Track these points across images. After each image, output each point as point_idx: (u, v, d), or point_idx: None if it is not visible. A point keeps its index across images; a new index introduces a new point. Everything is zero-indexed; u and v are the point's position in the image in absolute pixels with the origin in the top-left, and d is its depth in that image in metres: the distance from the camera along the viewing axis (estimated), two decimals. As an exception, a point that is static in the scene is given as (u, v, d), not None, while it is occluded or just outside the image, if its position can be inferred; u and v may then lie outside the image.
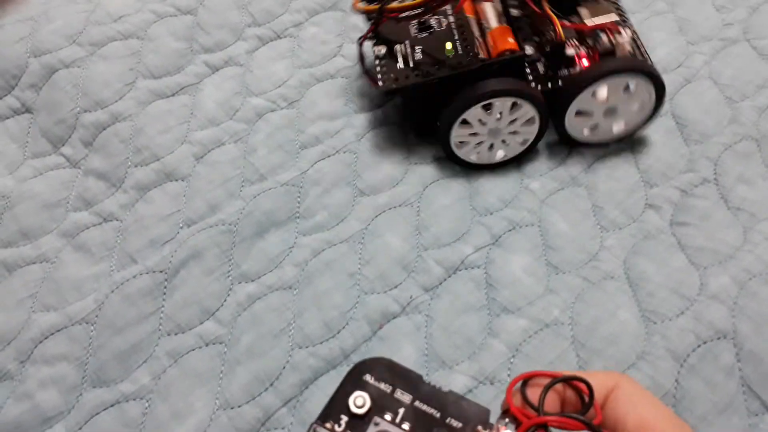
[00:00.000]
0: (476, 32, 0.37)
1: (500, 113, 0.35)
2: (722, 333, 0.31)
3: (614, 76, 0.34)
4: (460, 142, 0.37)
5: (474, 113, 0.35)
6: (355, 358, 0.32)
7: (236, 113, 0.41)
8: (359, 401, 0.21)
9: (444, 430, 0.21)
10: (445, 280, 0.34)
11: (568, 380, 0.22)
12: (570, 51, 0.36)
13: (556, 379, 0.22)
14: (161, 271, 0.35)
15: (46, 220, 0.37)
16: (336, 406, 0.21)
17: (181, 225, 0.36)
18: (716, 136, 0.39)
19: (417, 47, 0.37)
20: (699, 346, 0.31)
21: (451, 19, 0.38)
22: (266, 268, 0.35)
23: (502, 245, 0.35)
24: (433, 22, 0.38)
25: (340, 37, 0.45)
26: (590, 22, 0.37)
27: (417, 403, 0.22)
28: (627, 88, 0.35)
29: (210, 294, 0.34)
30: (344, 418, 0.21)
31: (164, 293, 0.34)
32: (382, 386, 0.22)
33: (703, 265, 0.34)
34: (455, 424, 0.21)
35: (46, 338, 0.33)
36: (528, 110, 0.35)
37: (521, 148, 0.38)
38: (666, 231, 0.35)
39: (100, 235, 0.36)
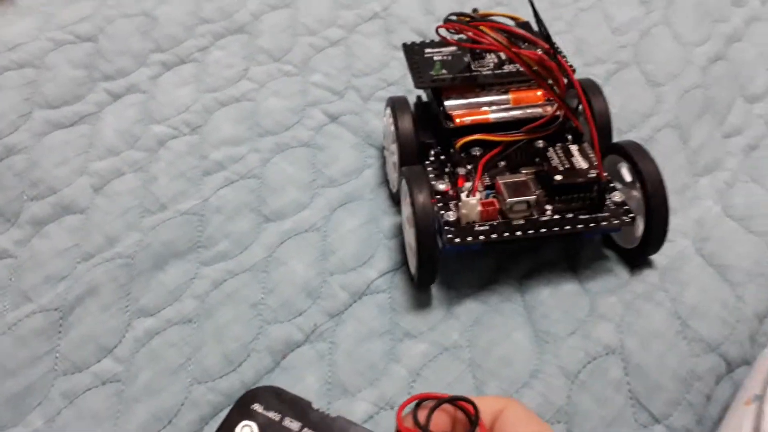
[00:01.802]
0: None
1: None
2: (610, 349, 0.32)
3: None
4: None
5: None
6: (256, 390, 0.31)
7: (137, 141, 0.40)
8: (246, 431, 0.22)
9: None
10: (350, 305, 0.34)
11: (454, 401, 0.23)
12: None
13: (441, 400, 0.23)
14: (56, 309, 0.34)
15: (-65, 260, 0.36)
16: None
17: (78, 260, 0.35)
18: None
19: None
20: (589, 362, 0.32)
21: None
22: (165, 302, 0.34)
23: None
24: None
25: (245, 60, 0.45)
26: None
27: (306, 431, 0.22)
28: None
29: (107, 330, 0.33)
30: None
31: (59, 332, 0.33)
32: (271, 414, 0.23)
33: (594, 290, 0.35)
34: None
35: (-69, 386, 0.32)
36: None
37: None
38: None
39: (-8, 273, 0.35)
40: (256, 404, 0.23)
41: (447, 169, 0.35)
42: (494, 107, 0.36)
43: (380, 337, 0.33)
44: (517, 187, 0.33)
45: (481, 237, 0.32)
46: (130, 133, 0.40)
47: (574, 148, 0.35)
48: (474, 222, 0.33)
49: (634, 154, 0.33)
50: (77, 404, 0.31)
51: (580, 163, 0.34)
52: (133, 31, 0.45)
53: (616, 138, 0.38)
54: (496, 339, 0.33)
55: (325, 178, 0.40)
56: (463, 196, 0.33)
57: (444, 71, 0.37)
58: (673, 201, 0.38)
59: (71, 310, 0.34)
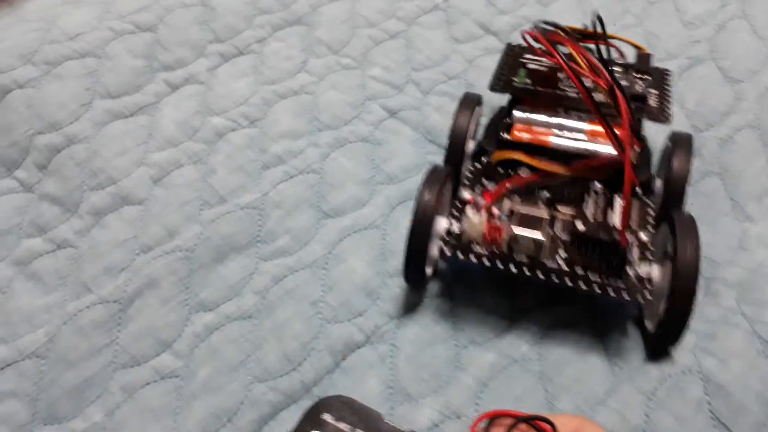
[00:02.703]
0: None
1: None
2: (687, 367, 0.30)
3: None
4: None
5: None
6: (317, 392, 0.31)
7: (196, 133, 0.39)
8: None
9: None
10: (411, 308, 0.33)
11: (531, 420, 0.22)
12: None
13: (519, 419, 0.22)
14: (116, 301, 0.33)
15: (-3, 248, 0.36)
16: None
17: (137, 251, 0.35)
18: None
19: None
20: (665, 380, 0.30)
21: None
22: (225, 297, 0.34)
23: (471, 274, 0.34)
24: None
25: (304, 52, 0.44)
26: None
27: None
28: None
29: (166, 324, 0.33)
30: None
31: (119, 324, 0.33)
32: (342, 426, 0.22)
33: None
34: None
35: (-6, 374, 0.32)
36: None
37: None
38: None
39: (53, 263, 0.35)
40: (326, 414, 0.22)
41: (484, 181, 0.33)
42: (564, 132, 0.33)
43: (444, 342, 0.32)
44: (531, 221, 0.30)
45: (474, 260, 0.30)
46: (188, 124, 0.40)
47: (618, 203, 0.31)
48: (475, 242, 0.31)
49: (678, 228, 0.29)
50: (136, 399, 0.31)
51: (615, 219, 0.30)
52: (191, 21, 0.44)
53: (691, 130, 0.36)
54: (567, 355, 0.31)
55: (384, 174, 0.39)
56: (469, 211, 0.31)
57: (528, 81, 0.35)
58: (753, 208, 0.37)
59: (131, 303, 0.33)
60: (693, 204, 0.36)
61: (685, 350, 0.31)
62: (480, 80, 0.44)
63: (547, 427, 0.22)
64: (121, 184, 0.37)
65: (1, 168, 0.39)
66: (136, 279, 0.34)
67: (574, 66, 0.29)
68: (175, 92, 0.41)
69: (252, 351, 0.32)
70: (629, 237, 0.30)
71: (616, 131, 0.28)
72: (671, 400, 0.29)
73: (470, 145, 0.36)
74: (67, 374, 0.31)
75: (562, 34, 0.31)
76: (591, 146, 0.33)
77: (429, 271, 0.32)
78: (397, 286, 0.34)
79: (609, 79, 0.28)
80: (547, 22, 0.31)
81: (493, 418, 0.22)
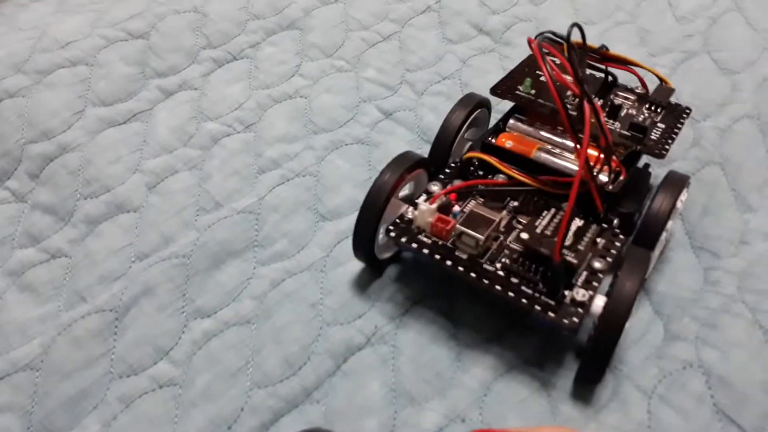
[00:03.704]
0: None
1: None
2: (687, 363, 0.30)
3: None
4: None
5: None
6: (318, 396, 0.30)
7: (191, 139, 0.39)
8: None
9: None
10: (410, 308, 0.33)
11: None
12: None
13: None
14: (111, 310, 0.33)
15: (-10, 259, 0.35)
16: None
17: (132, 259, 0.35)
18: (678, 161, 0.38)
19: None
20: (665, 377, 0.29)
21: None
22: (223, 303, 0.33)
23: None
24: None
25: (297, 56, 0.43)
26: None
27: None
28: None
29: (163, 332, 0.32)
30: None
31: (115, 333, 0.32)
32: None
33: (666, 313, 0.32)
34: None
35: (-13, 387, 0.31)
36: None
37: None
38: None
39: (47, 273, 0.34)
40: None
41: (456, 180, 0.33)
42: (551, 148, 0.33)
43: (446, 343, 0.31)
44: (478, 221, 0.30)
45: (414, 245, 0.30)
46: (183, 130, 0.39)
47: (576, 223, 0.30)
48: (422, 230, 0.30)
49: (627, 262, 0.28)
50: (134, 408, 0.30)
51: (561, 233, 0.28)
52: (184, 27, 0.44)
53: (691, 125, 0.35)
54: (568, 358, 0.31)
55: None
56: (421, 200, 0.31)
57: (532, 91, 0.35)
58: (753, 198, 0.36)
59: (127, 311, 0.33)
60: (695, 194, 0.36)
61: (686, 342, 0.31)
62: (473, 80, 0.43)
63: None
64: (116, 191, 0.37)
65: (-7, 179, 0.38)
66: (132, 287, 0.33)
67: (563, 80, 0.28)
68: (169, 98, 0.41)
69: (251, 356, 0.31)
70: (572, 258, 0.28)
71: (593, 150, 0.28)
72: (673, 395, 0.29)
73: (464, 148, 0.36)
74: (62, 386, 0.31)
75: (564, 45, 0.30)
76: (574, 166, 0.32)
77: (388, 254, 0.33)
78: (396, 287, 0.33)
79: (579, 89, 0.27)
80: (555, 34, 0.30)
81: None
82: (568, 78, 0.29)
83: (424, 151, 0.40)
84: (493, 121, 0.38)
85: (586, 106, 0.26)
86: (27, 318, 0.33)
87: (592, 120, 0.26)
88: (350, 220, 0.36)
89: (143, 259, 0.34)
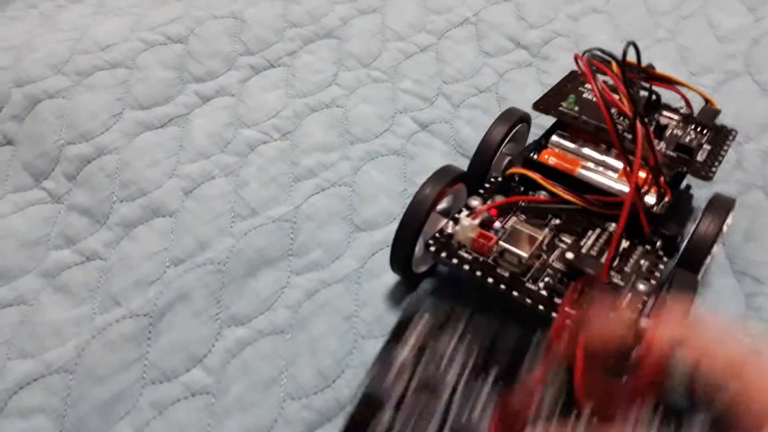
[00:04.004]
0: None
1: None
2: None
3: None
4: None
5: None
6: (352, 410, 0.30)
7: (227, 145, 0.39)
8: None
9: None
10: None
11: None
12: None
13: None
14: (146, 315, 0.33)
15: (26, 259, 0.35)
16: None
17: (167, 264, 0.34)
18: (720, 184, 0.37)
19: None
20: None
21: None
22: (257, 311, 0.33)
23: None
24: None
25: (335, 65, 0.43)
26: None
27: None
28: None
29: (198, 339, 0.32)
30: None
31: (149, 338, 0.32)
32: None
33: None
34: None
35: (21, 388, 0.31)
36: None
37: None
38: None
39: (82, 275, 0.34)
40: None
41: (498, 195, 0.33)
42: (594, 166, 0.32)
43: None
44: (521, 238, 0.29)
45: (454, 261, 0.29)
46: (220, 136, 0.39)
47: (626, 245, 0.30)
48: (462, 246, 0.30)
49: (674, 286, 0.27)
50: (166, 416, 0.30)
51: (609, 255, 0.28)
52: (222, 32, 0.44)
53: (734, 147, 0.34)
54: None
55: (416, 188, 0.38)
56: (462, 215, 0.31)
57: (575, 108, 0.34)
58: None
59: (161, 317, 0.33)
60: (738, 217, 0.35)
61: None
62: (511, 94, 0.43)
63: None
64: (152, 195, 0.37)
65: (30, 178, 0.38)
66: (166, 292, 0.33)
67: (612, 98, 0.27)
68: (206, 104, 0.41)
69: (285, 367, 0.31)
70: (618, 280, 0.28)
71: (640, 171, 0.27)
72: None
73: (503, 162, 0.36)
74: (95, 390, 0.31)
75: (613, 63, 0.29)
76: (618, 186, 0.31)
77: (424, 267, 0.33)
78: (430, 300, 0.33)
79: (631, 110, 0.27)
80: (603, 51, 0.29)
81: None
82: (616, 96, 0.29)
83: (459, 164, 0.39)
84: (531, 136, 0.38)
85: (639, 127, 0.26)
86: (61, 319, 0.33)
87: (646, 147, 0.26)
88: (385, 232, 0.36)
89: (178, 265, 0.34)
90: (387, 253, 0.35)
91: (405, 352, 0.24)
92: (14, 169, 0.39)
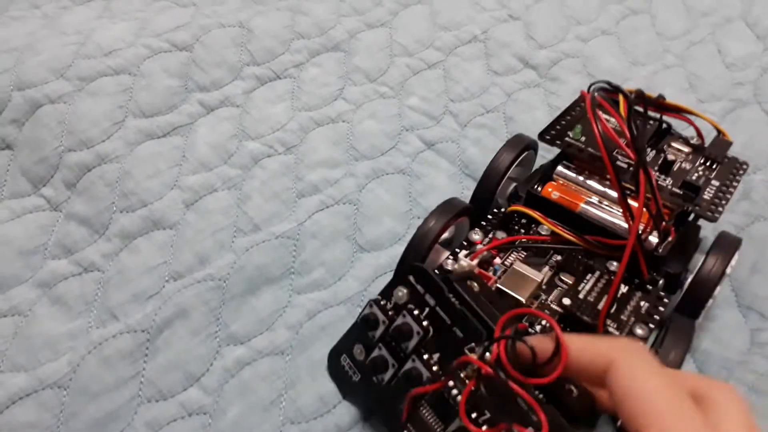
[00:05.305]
0: None
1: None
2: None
3: None
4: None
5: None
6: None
7: (231, 157, 0.38)
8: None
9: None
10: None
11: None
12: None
13: None
14: (143, 330, 0.32)
15: (21, 268, 0.34)
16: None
17: (167, 278, 0.34)
18: (727, 215, 0.37)
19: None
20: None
21: None
22: (257, 330, 0.32)
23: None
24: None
25: (341, 79, 0.43)
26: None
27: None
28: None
29: (195, 357, 0.31)
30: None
31: (146, 355, 0.31)
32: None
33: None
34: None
35: (13, 403, 0.30)
36: None
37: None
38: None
39: (79, 286, 0.34)
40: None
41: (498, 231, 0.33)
42: (599, 201, 0.32)
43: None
44: (519, 280, 0.29)
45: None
46: (223, 148, 0.39)
47: (624, 290, 0.30)
48: None
49: (669, 335, 0.27)
50: (161, 435, 0.29)
51: (606, 305, 0.27)
52: (228, 42, 0.43)
53: (743, 181, 0.34)
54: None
55: (422, 208, 0.38)
56: (462, 254, 0.31)
57: (582, 138, 0.34)
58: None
59: (159, 333, 0.32)
60: (744, 250, 0.35)
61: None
62: (518, 114, 0.43)
63: None
64: (153, 207, 0.36)
65: (28, 184, 0.37)
66: (165, 308, 0.33)
67: (617, 140, 0.27)
68: (210, 114, 0.40)
69: (284, 390, 0.30)
70: (614, 329, 0.28)
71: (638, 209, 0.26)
72: None
73: (509, 188, 0.35)
74: (89, 406, 0.30)
75: (621, 97, 0.29)
76: (622, 223, 0.31)
77: None
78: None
79: (636, 157, 0.26)
80: (610, 84, 0.29)
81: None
82: (623, 141, 0.28)
83: (465, 185, 0.39)
84: (539, 160, 0.37)
85: (642, 176, 0.25)
86: (56, 333, 0.32)
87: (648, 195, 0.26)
88: (389, 254, 0.35)
89: (178, 279, 0.34)
90: (390, 277, 0.34)
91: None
92: (12, 174, 0.38)
